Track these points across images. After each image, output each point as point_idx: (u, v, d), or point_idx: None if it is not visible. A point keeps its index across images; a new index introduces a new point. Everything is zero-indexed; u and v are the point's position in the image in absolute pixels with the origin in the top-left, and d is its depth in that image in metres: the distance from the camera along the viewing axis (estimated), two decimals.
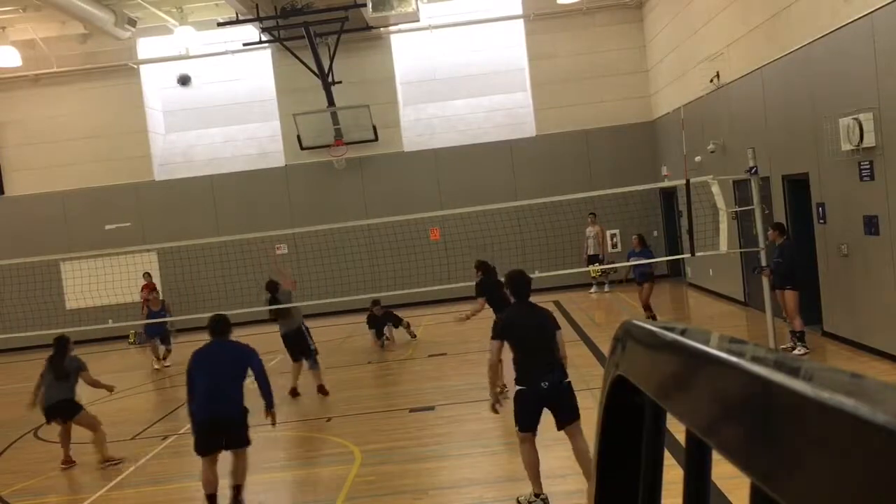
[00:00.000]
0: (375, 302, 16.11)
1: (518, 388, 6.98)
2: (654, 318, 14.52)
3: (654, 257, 15.35)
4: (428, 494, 7.66)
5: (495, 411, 7.50)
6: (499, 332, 7.08)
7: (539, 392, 6.86)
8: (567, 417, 6.94)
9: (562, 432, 7.09)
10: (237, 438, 7.64)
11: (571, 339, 14.50)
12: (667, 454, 1.00)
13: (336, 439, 9.80)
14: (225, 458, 7.67)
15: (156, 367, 16.61)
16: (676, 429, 0.87)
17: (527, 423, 6.98)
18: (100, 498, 8.48)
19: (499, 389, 7.40)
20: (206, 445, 7.54)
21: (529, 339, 6.96)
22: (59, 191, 22.17)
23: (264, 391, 7.83)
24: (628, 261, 15.46)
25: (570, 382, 7.02)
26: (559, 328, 7.17)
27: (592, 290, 20.46)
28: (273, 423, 8.05)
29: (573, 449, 7.01)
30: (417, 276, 18.17)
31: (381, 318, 16.22)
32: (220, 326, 8.04)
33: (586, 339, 14.42)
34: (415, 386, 11.93)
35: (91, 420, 9.80)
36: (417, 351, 15.15)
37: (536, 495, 7.00)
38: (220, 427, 7.56)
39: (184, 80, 17.37)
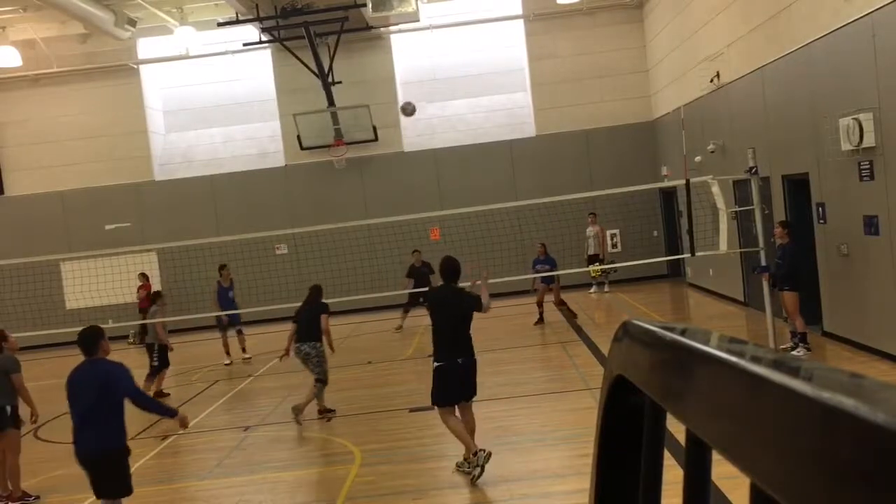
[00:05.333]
0: (416, 250, 17.71)
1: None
2: (571, 311, 16.51)
3: (556, 265, 16.46)
4: (428, 494, 7.66)
5: None
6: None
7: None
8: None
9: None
10: (105, 483, 6.31)
11: (571, 339, 14.52)
12: (667, 454, 1.00)
13: (336, 439, 9.80)
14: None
15: (245, 356, 16.07)
16: (676, 429, 0.87)
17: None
18: None
19: None
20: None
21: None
22: (59, 191, 22.18)
23: (151, 409, 6.81)
24: (534, 268, 16.59)
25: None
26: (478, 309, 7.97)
27: (592, 290, 20.47)
28: (183, 426, 6.97)
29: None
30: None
31: (421, 269, 17.19)
32: (85, 342, 6.58)
33: (586, 339, 14.42)
34: (415, 386, 11.93)
35: (16, 443, 8.49)
36: (417, 351, 15.15)
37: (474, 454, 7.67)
38: (86, 468, 6.32)
39: (408, 110, 16.80)
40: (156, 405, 6.87)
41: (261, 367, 15.41)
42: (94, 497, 6.52)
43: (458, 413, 7.88)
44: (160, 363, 13.08)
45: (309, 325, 10.71)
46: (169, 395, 13.20)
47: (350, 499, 7.60)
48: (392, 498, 7.56)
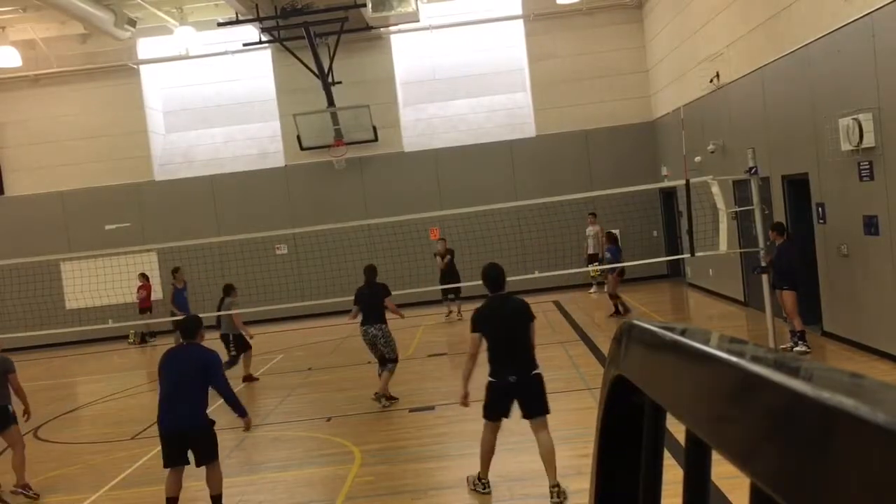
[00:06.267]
0: (442, 238, 18.72)
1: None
2: (623, 305, 16.48)
3: (620, 255, 16.73)
4: (428, 494, 7.66)
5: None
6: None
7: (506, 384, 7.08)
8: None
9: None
10: (203, 452, 7.16)
11: (571, 339, 14.52)
12: (667, 454, 1.00)
13: (336, 439, 9.80)
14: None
15: None
16: (676, 429, 0.87)
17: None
18: (100, 498, 8.49)
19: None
20: (171, 458, 7.15)
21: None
22: (59, 191, 22.18)
23: (231, 400, 7.31)
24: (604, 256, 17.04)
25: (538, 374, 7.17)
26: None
27: (592, 289, 20.46)
28: (246, 429, 7.71)
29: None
30: (417, 276, 18.18)
31: (446, 255, 18.16)
32: (187, 327, 7.46)
33: (586, 339, 14.42)
34: (415, 386, 11.93)
35: (19, 437, 8.80)
36: (417, 351, 15.15)
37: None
38: (183, 440, 7.09)
39: None
40: (235, 399, 7.26)
41: (261, 366, 15.42)
42: (196, 465, 7.20)
43: (534, 432, 7.14)
44: (238, 351, 13.50)
45: (372, 307, 10.93)
46: (258, 379, 13.65)
47: (350, 499, 7.60)
48: (392, 498, 7.57)
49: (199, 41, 21.12)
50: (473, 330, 7.16)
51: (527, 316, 7.11)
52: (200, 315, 8.18)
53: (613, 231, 17.57)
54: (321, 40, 20.50)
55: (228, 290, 13.70)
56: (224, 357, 13.25)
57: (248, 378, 13.51)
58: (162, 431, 7.11)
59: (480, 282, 7.49)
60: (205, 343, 7.48)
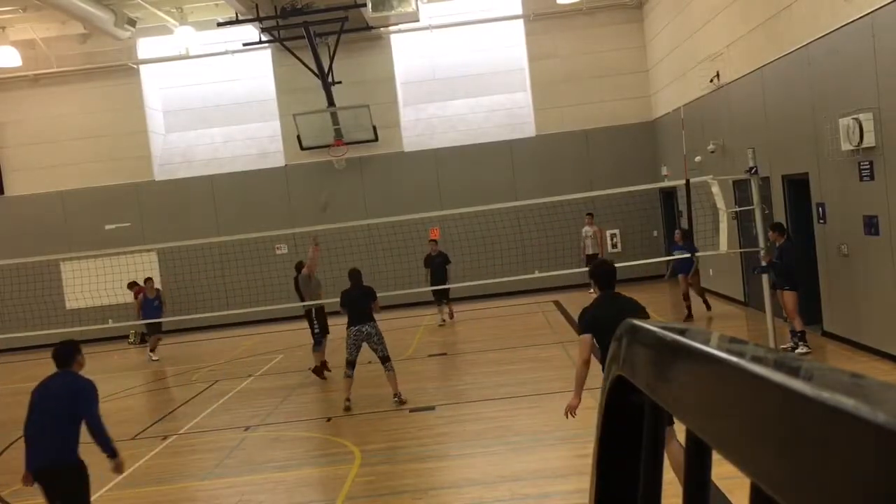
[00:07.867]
0: (433, 241, 18.01)
1: None
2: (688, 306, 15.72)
3: (696, 252, 14.92)
4: (428, 494, 7.66)
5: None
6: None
7: None
8: None
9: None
10: (64, 495, 6.19)
11: (571, 339, 14.52)
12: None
13: (336, 439, 9.81)
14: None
15: (154, 358, 17.36)
16: (676, 429, 0.87)
17: None
18: (100, 498, 8.48)
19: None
20: (45, 496, 6.23)
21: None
22: (59, 191, 22.17)
23: (99, 438, 6.35)
24: (671, 254, 16.01)
25: None
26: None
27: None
28: (117, 472, 6.66)
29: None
30: (417, 276, 18.18)
31: (436, 258, 17.85)
32: (59, 355, 6.48)
33: None
34: (415, 386, 11.94)
35: None
36: (417, 351, 15.15)
37: None
38: (45, 479, 6.20)
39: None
40: (104, 437, 6.38)
41: (261, 367, 15.43)
42: None
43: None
44: (321, 329, 13.66)
45: (362, 308, 11.25)
46: (330, 371, 13.50)
47: (350, 499, 7.61)
48: (392, 498, 7.57)
49: (199, 41, 21.10)
50: (583, 331, 6.45)
51: (641, 315, 6.31)
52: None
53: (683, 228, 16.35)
54: (321, 40, 20.49)
55: (301, 266, 14.07)
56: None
57: (323, 366, 13.66)
58: (31, 470, 6.23)
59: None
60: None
